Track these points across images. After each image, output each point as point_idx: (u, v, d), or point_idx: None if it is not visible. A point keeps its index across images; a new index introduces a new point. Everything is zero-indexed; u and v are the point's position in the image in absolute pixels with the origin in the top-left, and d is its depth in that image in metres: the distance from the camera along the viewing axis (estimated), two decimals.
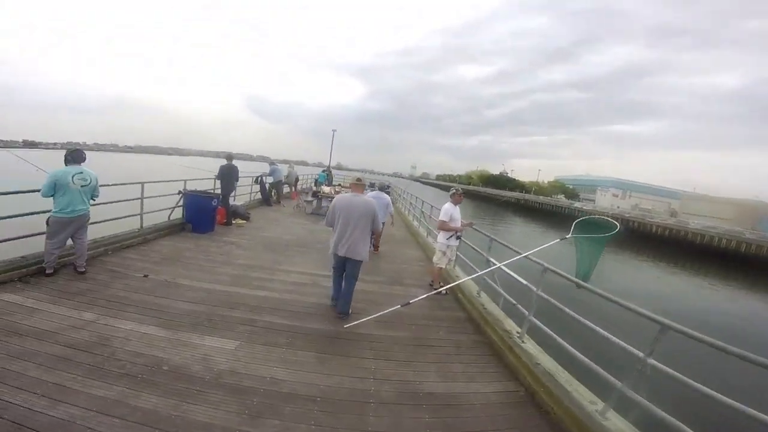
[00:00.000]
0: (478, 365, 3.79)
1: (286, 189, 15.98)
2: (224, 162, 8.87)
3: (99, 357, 3.02)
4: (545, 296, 3.78)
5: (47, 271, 4.47)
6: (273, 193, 13.61)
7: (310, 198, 12.60)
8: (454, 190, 5.91)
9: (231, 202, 9.32)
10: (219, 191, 8.73)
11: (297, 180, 16.91)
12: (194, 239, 7.27)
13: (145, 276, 4.93)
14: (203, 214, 7.79)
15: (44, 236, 4.53)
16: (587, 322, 3.11)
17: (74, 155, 4.63)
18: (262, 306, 4.45)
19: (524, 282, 4.17)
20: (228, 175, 8.79)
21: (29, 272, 4.42)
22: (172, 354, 3.21)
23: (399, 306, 4.35)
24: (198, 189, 8.43)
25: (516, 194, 75.26)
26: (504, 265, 4.60)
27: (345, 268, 4.37)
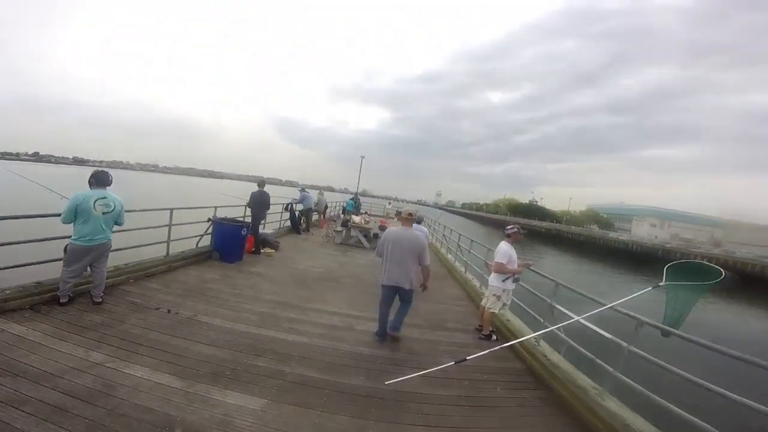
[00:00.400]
0: (549, 427, 3.17)
1: (315, 216, 15.72)
2: (255, 188, 8.61)
3: (101, 410, 2.57)
4: (641, 352, 3.12)
5: (61, 300, 4.14)
6: (302, 221, 13.32)
7: (339, 228, 12.19)
8: (514, 228, 5.20)
9: (261, 230, 9.02)
10: (249, 219, 8.45)
11: (326, 207, 16.65)
12: (221, 269, 6.91)
13: (168, 311, 4.51)
14: (232, 242, 7.47)
15: (62, 263, 4.23)
16: (694, 378, 2.63)
17: (98, 177, 4.34)
18: (291, 354, 3.89)
19: (610, 336, 3.49)
20: (259, 203, 8.53)
21: (42, 300, 4.11)
22: (187, 412, 2.70)
23: (453, 362, 3.66)
24: (228, 216, 8.19)
25: (546, 224, 72.81)
26: (583, 318, 3.85)
27: (396, 297, 4.54)
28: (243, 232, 7.65)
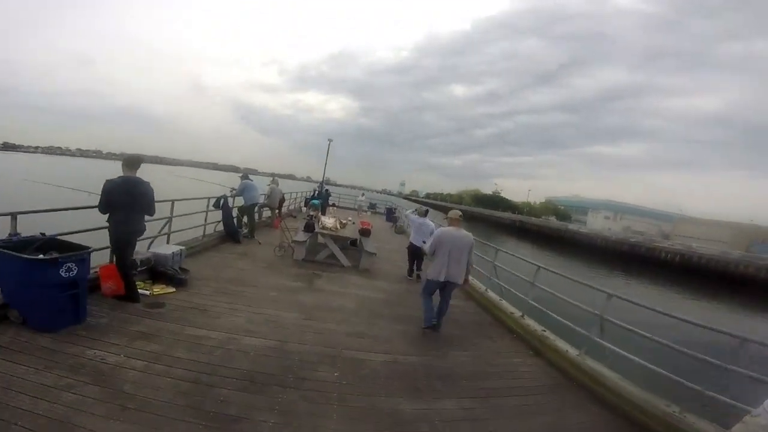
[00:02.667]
0: None
1: (266, 213, 11.42)
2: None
3: None
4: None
5: None
6: (243, 224, 9.00)
7: (301, 237, 7.74)
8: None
9: (146, 250, 4.90)
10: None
11: (282, 201, 12.41)
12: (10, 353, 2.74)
13: None
14: (33, 290, 3.16)
15: None
16: None
17: None
18: None
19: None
20: (126, 197, 3.91)
21: None
22: None
23: None
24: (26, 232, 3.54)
25: (512, 215, 71.70)
26: None
27: (443, 291, 4.78)
28: (62, 271, 3.22)
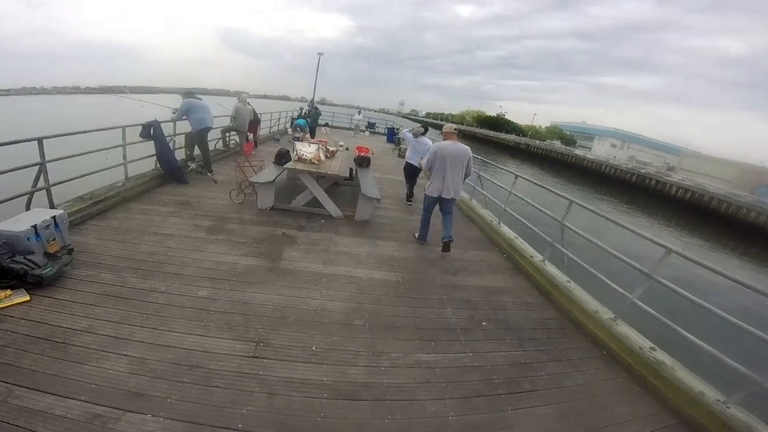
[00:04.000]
0: None
1: (233, 139, 8.87)
2: None
3: None
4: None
5: None
6: (190, 161, 6.59)
7: (267, 175, 5.47)
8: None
9: None
10: None
11: (258, 123, 9.84)
12: None
13: None
14: None
15: None
16: None
17: None
18: None
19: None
20: None
21: None
22: None
23: None
24: None
25: (517, 138, 68.14)
26: None
27: (442, 207, 4.69)
28: None
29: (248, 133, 9.73)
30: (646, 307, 3.15)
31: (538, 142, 66.55)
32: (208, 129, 6.39)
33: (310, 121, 13.22)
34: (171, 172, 5.79)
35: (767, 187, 54.13)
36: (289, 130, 12.71)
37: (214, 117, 7.47)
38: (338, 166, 5.71)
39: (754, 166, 65.29)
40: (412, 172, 6.89)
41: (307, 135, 12.43)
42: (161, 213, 4.78)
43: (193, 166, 6.33)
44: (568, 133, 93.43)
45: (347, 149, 8.04)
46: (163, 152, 5.63)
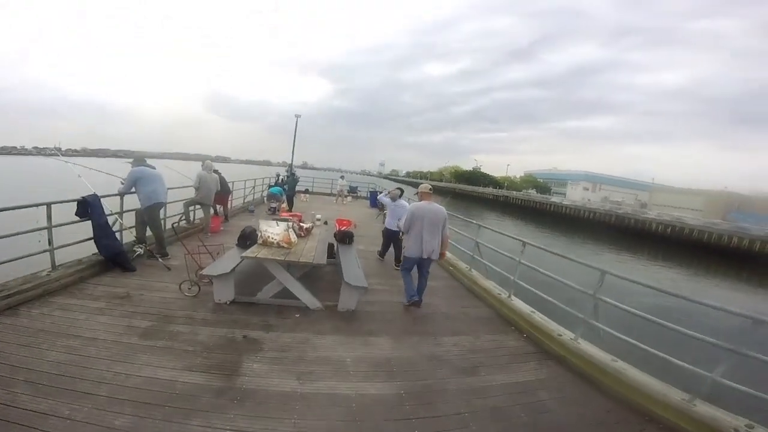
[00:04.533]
0: None
1: (195, 214, 7.93)
2: None
3: None
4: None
5: None
6: (138, 245, 5.43)
7: (225, 265, 4.22)
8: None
9: None
10: None
11: (229, 194, 9.05)
12: None
13: None
14: None
15: None
16: None
17: None
18: None
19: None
20: None
21: None
22: None
23: None
24: None
25: (494, 191, 69.71)
26: None
27: (421, 268, 4.69)
28: None
29: (216, 206, 8.86)
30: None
31: (515, 193, 68.25)
32: (161, 205, 5.42)
33: (287, 189, 12.49)
34: (112, 257, 4.69)
35: (738, 211, 56.39)
36: (266, 200, 11.95)
37: (175, 188, 6.65)
38: (313, 249, 4.58)
39: (720, 192, 68.31)
40: (392, 237, 6.68)
41: (284, 205, 11.65)
42: (88, 309, 3.66)
43: (140, 250, 5.28)
44: (541, 180, 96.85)
45: (326, 223, 7.16)
46: (102, 234, 4.60)
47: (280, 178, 13.59)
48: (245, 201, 12.38)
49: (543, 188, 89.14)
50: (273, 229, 4.38)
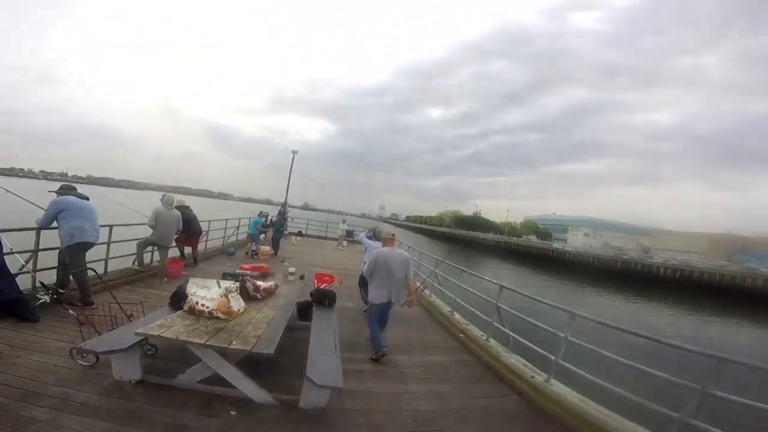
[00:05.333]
0: None
1: (146, 256, 6.61)
2: None
3: None
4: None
5: None
6: (43, 291, 4.09)
7: (127, 336, 2.74)
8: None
9: None
10: None
11: (199, 234, 7.91)
12: None
13: None
14: None
15: None
16: None
17: None
18: None
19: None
20: None
21: None
22: None
23: None
24: None
25: (495, 236, 68.55)
26: None
27: (384, 314, 4.44)
28: None
29: (183, 248, 7.68)
30: None
31: (516, 239, 67.08)
32: (86, 245, 4.26)
33: (273, 230, 11.35)
34: (7, 304, 3.51)
35: (742, 252, 55.42)
36: (258, 231, 10.68)
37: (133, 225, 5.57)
38: (265, 322, 3.10)
39: (723, 234, 67.53)
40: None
41: (266, 247, 10.43)
42: None
43: (45, 298, 4.01)
44: (542, 226, 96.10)
45: (302, 278, 6.04)
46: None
47: (270, 219, 12.46)
48: (226, 241, 11.18)
49: (544, 234, 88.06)
50: (204, 292, 2.99)
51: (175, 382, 2.79)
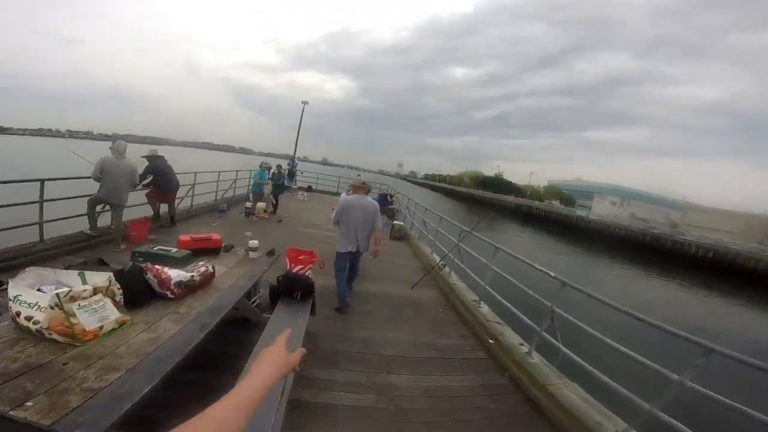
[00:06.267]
0: None
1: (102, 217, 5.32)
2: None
3: None
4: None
5: None
6: None
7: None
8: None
9: None
10: None
11: (170, 187, 6.69)
12: None
13: None
14: None
15: None
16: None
17: None
18: None
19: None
20: None
21: None
22: None
23: None
24: None
25: (517, 199, 66.03)
26: None
27: (352, 263, 4.42)
28: None
29: (158, 204, 6.50)
30: None
31: (538, 203, 64.40)
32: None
33: (272, 184, 10.03)
34: None
35: None
36: (249, 204, 9.32)
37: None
38: (138, 355, 1.66)
39: (759, 215, 62.86)
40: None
41: (261, 204, 9.16)
42: None
43: None
44: (566, 191, 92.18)
45: (271, 253, 3.72)
46: None
47: (272, 171, 11.10)
48: (222, 196, 10.01)
49: (567, 200, 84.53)
50: (33, 297, 1.67)
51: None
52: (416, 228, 9.19)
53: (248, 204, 8.83)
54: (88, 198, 4.90)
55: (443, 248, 6.44)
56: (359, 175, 6.00)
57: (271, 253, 3.64)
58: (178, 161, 7.19)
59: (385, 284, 5.51)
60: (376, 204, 4.46)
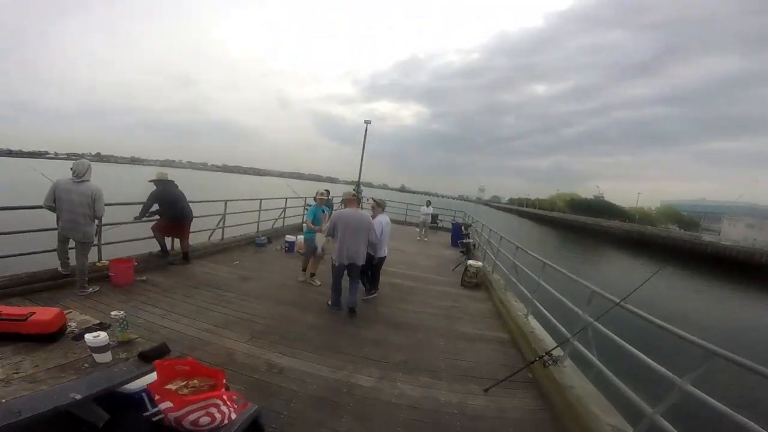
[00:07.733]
0: None
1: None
2: None
3: None
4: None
5: None
6: None
7: None
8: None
9: None
10: None
11: (189, 220, 5.62)
12: None
13: None
14: None
15: None
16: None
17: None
18: None
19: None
20: None
21: None
22: None
23: None
24: None
25: (622, 224, 56.95)
26: None
27: (348, 272, 4.53)
28: None
29: (164, 237, 5.41)
30: None
31: (650, 227, 54.65)
32: None
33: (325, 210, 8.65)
34: None
35: None
36: (305, 225, 8.03)
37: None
38: None
39: None
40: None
41: (321, 233, 7.76)
42: None
43: None
44: (685, 213, 77.73)
45: (162, 352, 1.89)
46: None
47: (331, 196, 9.59)
48: (272, 226, 8.95)
49: (687, 223, 70.82)
50: None
51: None
52: (500, 269, 6.55)
53: (290, 239, 7.52)
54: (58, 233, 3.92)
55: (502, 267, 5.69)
56: (354, 190, 6.39)
57: (154, 353, 1.71)
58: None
59: (438, 382, 3.20)
60: (369, 217, 4.69)
